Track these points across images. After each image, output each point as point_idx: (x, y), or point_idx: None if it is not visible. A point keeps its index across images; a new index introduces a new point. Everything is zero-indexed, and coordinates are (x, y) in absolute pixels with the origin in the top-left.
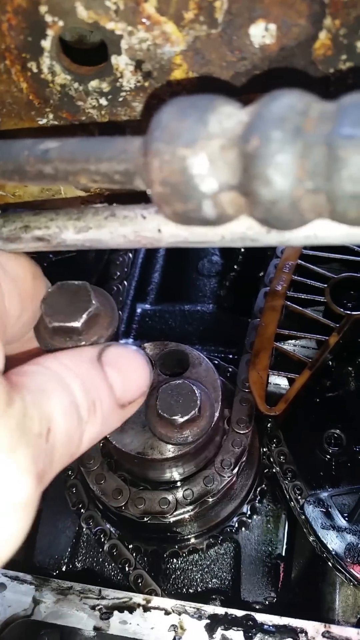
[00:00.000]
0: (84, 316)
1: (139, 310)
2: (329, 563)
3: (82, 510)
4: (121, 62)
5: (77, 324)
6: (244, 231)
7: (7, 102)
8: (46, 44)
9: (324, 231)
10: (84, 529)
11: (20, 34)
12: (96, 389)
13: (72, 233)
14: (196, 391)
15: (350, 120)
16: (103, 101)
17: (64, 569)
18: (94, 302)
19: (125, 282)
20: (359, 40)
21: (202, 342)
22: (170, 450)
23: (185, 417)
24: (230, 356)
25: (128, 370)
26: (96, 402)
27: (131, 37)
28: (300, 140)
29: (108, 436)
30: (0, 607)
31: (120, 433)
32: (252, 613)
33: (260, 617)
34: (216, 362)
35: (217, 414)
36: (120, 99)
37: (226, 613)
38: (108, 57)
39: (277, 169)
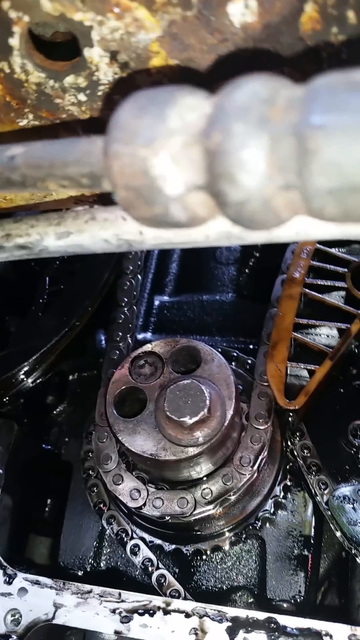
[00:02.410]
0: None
1: (157, 303)
2: (358, 559)
3: (103, 510)
4: (95, 54)
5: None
6: (228, 230)
7: None
8: (14, 42)
9: (315, 228)
10: (107, 529)
11: None
12: None
13: (53, 239)
14: (205, 391)
15: (321, 106)
16: (82, 97)
17: (88, 568)
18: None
19: (139, 276)
20: (351, 10)
21: (222, 332)
22: (183, 451)
23: (195, 419)
24: (251, 347)
25: None
26: None
27: (102, 27)
28: (265, 133)
29: (120, 438)
30: (22, 612)
31: (133, 434)
32: (275, 615)
33: (283, 620)
34: (234, 354)
35: (230, 412)
36: (100, 93)
37: (247, 616)
38: (80, 50)
39: (243, 166)
